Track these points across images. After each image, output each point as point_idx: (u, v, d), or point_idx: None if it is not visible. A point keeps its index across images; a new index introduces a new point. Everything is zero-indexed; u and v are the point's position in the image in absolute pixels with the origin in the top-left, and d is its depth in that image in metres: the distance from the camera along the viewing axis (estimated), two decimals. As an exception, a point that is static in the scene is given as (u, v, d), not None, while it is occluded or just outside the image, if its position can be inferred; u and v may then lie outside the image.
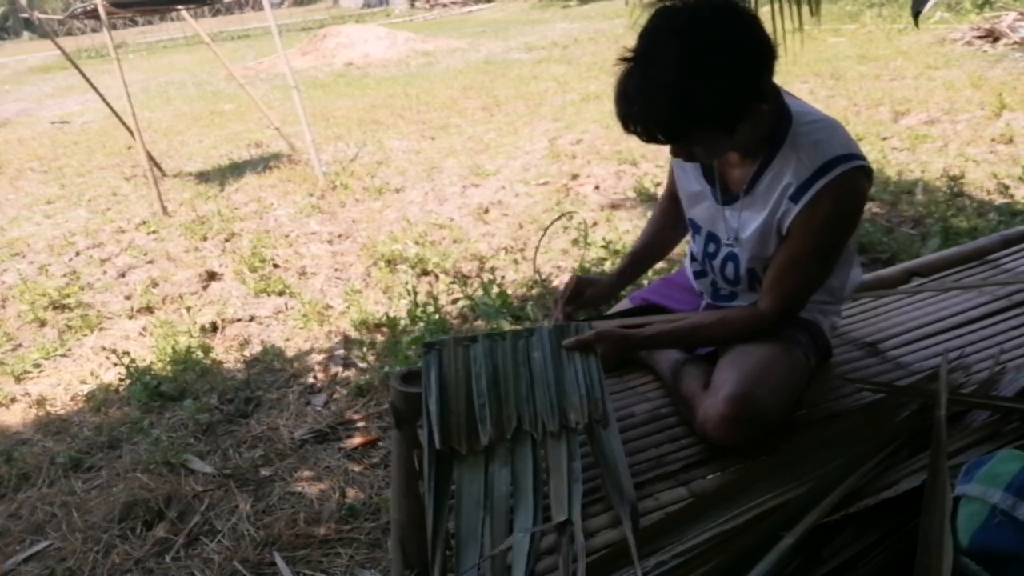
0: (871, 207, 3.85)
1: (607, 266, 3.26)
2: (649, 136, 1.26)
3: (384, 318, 3.19)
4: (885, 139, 5.10)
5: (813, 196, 1.32)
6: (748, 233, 1.45)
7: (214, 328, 3.38)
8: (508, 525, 1.17)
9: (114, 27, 6.50)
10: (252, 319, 3.45)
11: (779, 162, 1.37)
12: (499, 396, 1.33)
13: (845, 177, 1.31)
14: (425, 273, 3.71)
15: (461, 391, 1.33)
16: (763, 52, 1.24)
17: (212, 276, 4.02)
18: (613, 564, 1.11)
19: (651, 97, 1.21)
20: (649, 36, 1.23)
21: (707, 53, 1.19)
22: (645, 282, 3.09)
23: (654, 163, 5.19)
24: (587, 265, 3.43)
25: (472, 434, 1.28)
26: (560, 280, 3.37)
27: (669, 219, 1.74)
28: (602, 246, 3.54)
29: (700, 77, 1.19)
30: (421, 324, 3.00)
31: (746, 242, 1.46)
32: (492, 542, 1.14)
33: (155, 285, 3.95)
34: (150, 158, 5.62)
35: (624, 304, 1.79)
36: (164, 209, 5.24)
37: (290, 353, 3.08)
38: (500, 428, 1.28)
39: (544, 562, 1.16)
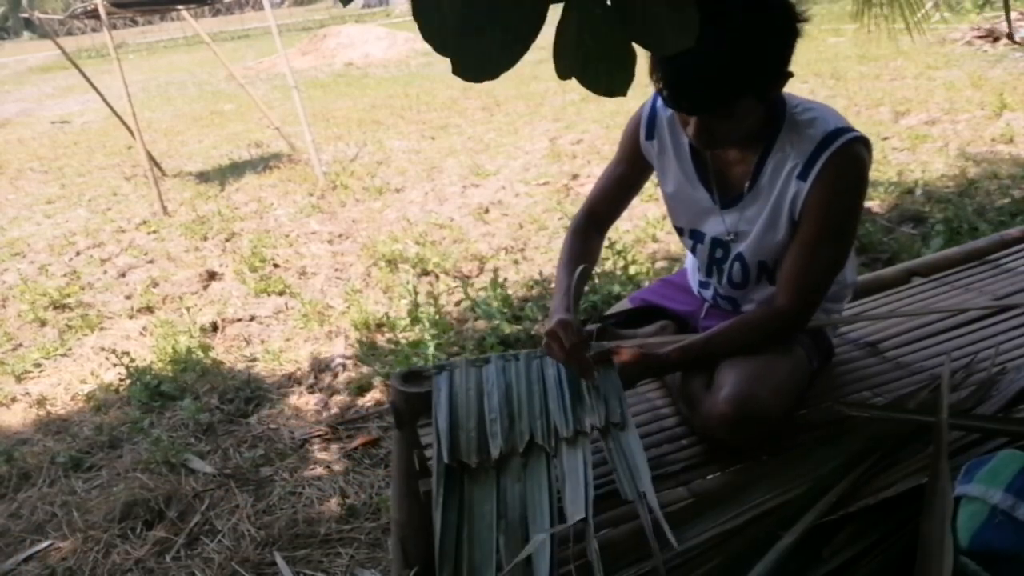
0: (871, 206, 3.85)
1: (607, 265, 3.25)
2: (691, 100, 1.25)
3: (384, 318, 3.20)
4: (886, 139, 5.10)
5: (820, 170, 1.33)
6: (756, 225, 1.44)
7: (214, 328, 3.38)
8: (523, 539, 1.12)
9: (114, 27, 6.50)
10: (252, 319, 3.45)
11: (780, 145, 1.38)
12: (511, 413, 1.30)
13: (848, 147, 1.33)
14: (425, 273, 3.72)
15: (472, 408, 1.31)
16: (795, 18, 1.26)
17: (212, 276, 4.03)
18: (614, 563, 1.11)
19: (708, 53, 1.14)
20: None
21: (765, 15, 1.22)
22: (646, 282, 3.09)
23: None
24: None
25: (483, 448, 1.24)
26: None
27: (596, 231, 1.64)
28: (605, 247, 3.52)
29: (759, 37, 1.21)
30: (421, 324, 3.00)
31: (754, 234, 1.44)
32: (507, 556, 1.10)
33: (155, 285, 3.95)
34: (150, 158, 5.62)
35: (624, 304, 1.78)
36: (164, 209, 5.25)
37: (290, 353, 3.08)
38: (512, 443, 1.25)
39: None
